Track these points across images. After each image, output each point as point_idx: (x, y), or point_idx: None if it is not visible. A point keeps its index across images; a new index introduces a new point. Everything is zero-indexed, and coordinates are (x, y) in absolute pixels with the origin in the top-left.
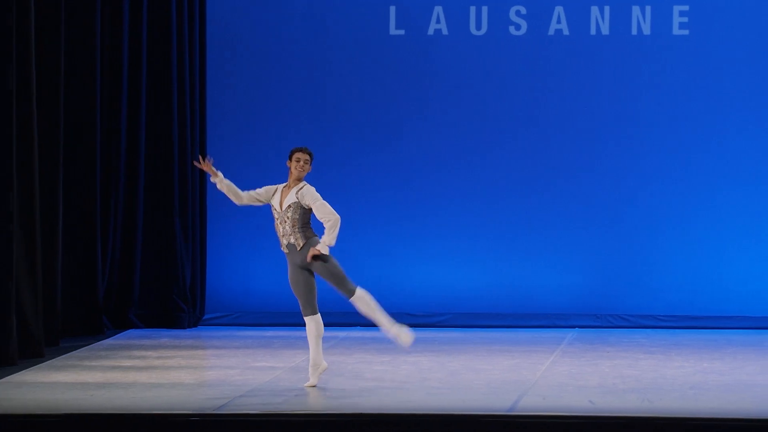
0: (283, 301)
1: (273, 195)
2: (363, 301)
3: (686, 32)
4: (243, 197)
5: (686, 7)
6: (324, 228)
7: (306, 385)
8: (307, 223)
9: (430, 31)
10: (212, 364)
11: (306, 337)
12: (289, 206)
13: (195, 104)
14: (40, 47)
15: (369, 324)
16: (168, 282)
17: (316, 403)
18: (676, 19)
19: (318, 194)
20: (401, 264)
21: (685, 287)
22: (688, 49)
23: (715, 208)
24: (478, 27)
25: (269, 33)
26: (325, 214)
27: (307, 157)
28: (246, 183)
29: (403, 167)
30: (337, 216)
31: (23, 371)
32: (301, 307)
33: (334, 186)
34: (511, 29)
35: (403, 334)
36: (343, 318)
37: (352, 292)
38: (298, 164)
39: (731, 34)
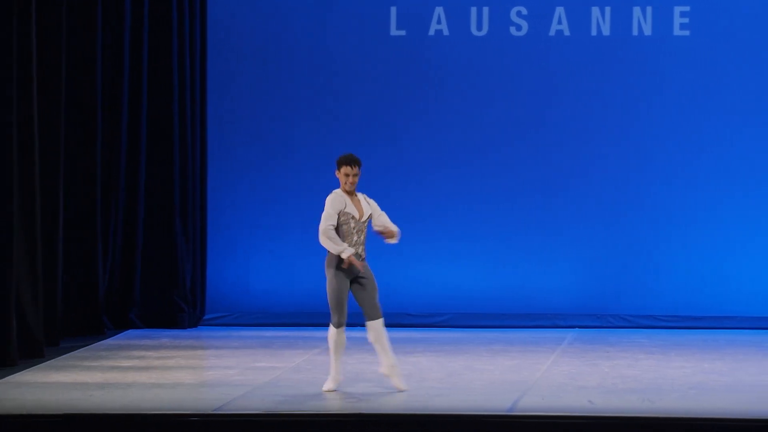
0: (283, 302)
1: (344, 206)
2: (382, 328)
3: (687, 33)
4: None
5: (687, 8)
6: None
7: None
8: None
9: (431, 32)
10: (212, 365)
11: (327, 344)
12: (369, 216)
13: (196, 105)
14: (41, 49)
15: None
16: (168, 282)
17: (315, 403)
18: (677, 20)
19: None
20: (401, 264)
21: (686, 287)
22: (689, 49)
23: (716, 209)
24: (479, 28)
25: (270, 33)
26: (389, 221)
27: (358, 169)
28: (248, 182)
29: (404, 168)
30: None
31: (23, 371)
32: (338, 317)
33: (335, 188)
34: (512, 30)
35: (396, 377)
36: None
37: (379, 315)
38: (347, 179)
39: (732, 34)
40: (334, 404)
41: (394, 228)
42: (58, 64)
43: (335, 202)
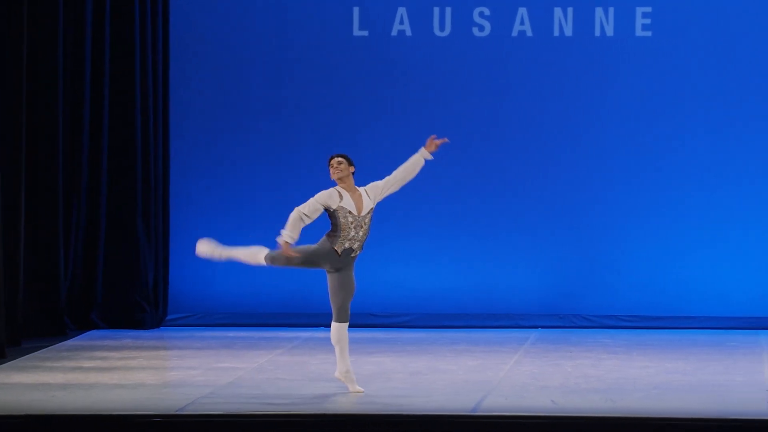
0: (245, 302)
1: (340, 200)
2: (344, 331)
3: (649, 33)
4: (302, 221)
5: (649, 9)
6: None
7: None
8: None
9: (394, 32)
10: (175, 365)
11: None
12: (370, 211)
13: (158, 105)
14: (2, 52)
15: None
16: (131, 283)
17: (278, 404)
18: (639, 21)
19: (372, 185)
20: (364, 265)
21: (648, 287)
22: (651, 50)
23: (678, 209)
24: (442, 28)
25: (232, 34)
26: (389, 176)
27: (340, 158)
28: (211, 182)
29: (366, 168)
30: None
31: None
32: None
33: (297, 188)
34: (475, 30)
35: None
36: (307, 319)
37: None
38: (332, 169)
39: (694, 35)
40: (295, 405)
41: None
42: (19, 64)
43: (324, 194)
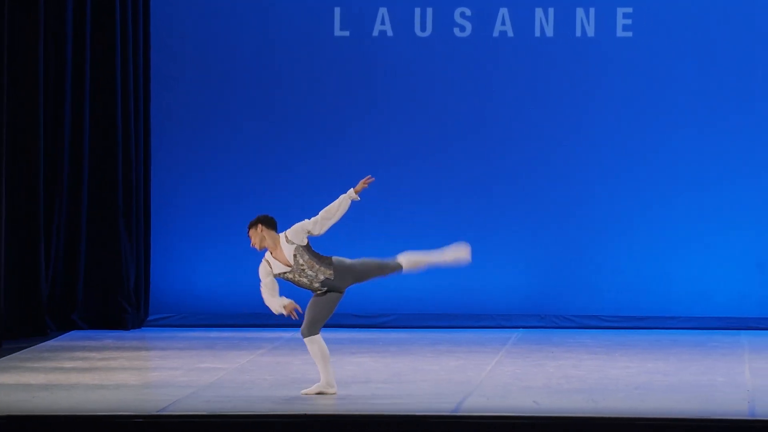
0: (227, 303)
1: (271, 269)
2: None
3: (630, 34)
4: (275, 290)
5: (630, 9)
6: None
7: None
8: (317, 252)
9: (375, 33)
10: (156, 366)
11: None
12: (294, 255)
13: (139, 106)
14: None
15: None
16: (112, 283)
17: (259, 404)
18: (620, 21)
19: (295, 227)
20: None
21: (630, 288)
22: (631, 51)
23: (660, 210)
24: (423, 28)
25: (213, 34)
26: (317, 216)
27: (249, 230)
28: (192, 183)
29: (347, 169)
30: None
31: None
32: (308, 326)
33: (279, 188)
34: (456, 31)
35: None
36: (288, 319)
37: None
38: (251, 244)
39: (674, 36)
40: (277, 405)
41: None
42: (0, 63)
43: (262, 270)
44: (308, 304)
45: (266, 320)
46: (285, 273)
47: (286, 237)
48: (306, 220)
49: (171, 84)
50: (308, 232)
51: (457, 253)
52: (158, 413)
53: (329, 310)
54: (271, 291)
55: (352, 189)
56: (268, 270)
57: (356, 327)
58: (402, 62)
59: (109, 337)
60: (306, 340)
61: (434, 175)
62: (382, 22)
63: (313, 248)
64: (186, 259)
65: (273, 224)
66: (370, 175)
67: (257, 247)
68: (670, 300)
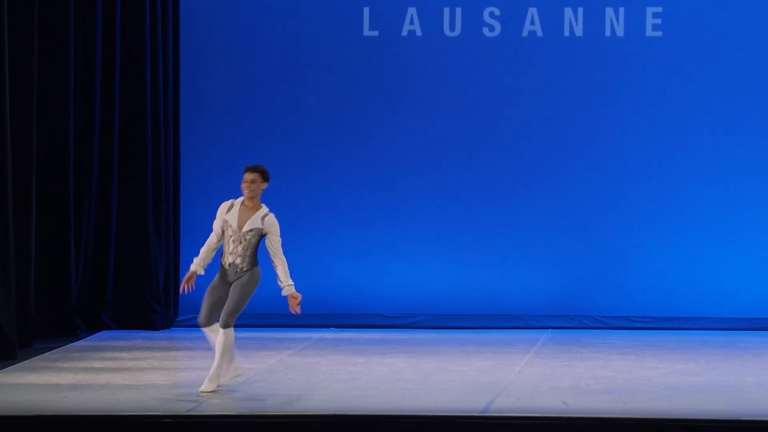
0: (256, 303)
1: (228, 211)
2: (228, 340)
3: (659, 34)
4: (213, 243)
5: (659, 9)
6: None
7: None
8: (256, 251)
9: (404, 33)
10: (185, 366)
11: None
12: (251, 230)
13: (169, 104)
14: (14, 54)
15: (343, 325)
16: (141, 283)
17: (288, 404)
18: (649, 21)
19: (276, 227)
20: (375, 265)
21: (659, 288)
22: (661, 50)
23: (689, 209)
24: (452, 28)
25: (243, 33)
26: (280, 253)
27: (254, 176)
28: (221, 182)
29: (377, 169)
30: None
31: None
32: (202, 317)
33: (309, 188)
34: (485, 30)
35: (209, 384)
36: (317, 320)
37: (228, 325)
38: (244, 185)
39: (704, 35)
40: (308, 405)
41: (294, 295)
42: (31, 62)
43: (222, 207)
44: (209, 296)
45: (295, 321)
46: (228, 225)
47: (264, 215)
48: (278, 237)
49: (200, 83)
50: (272, 241)
51: (233, 371)
52: (187, 413)
53: (220, 303)
54: (207, 253)
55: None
56: (224, 211)
57: (385, 327)
58: (431, 62)
59: (138, 337)
60: (222, 330)
61: (463, 175)
62: (411, 22)
63: (259, 250)
64: (215, 259)
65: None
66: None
67: (246, 191)
68: (699, 301)
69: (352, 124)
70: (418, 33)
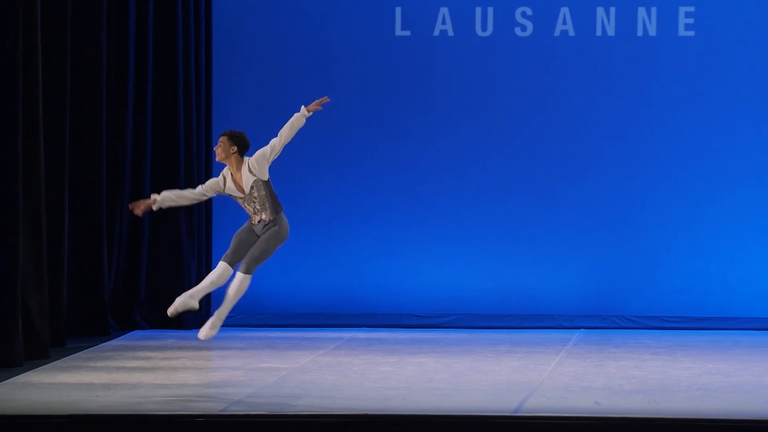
0: (288, 303)
1: (225, 185)
2: (243, 285)
3: (692, 33)
4: (187, 197)
5: (692, 8)
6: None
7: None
8: (275, 195)
9: (436, 32)
10: (218, 365)
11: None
12: (252, 186)
13: (201, 103)
14: (47, 51)
15: (374, 325)
16: (173, 283)
17: (321, 404)
18: (682, 21)
19: (257, 155)
20: (407, 265)
21: (692, 288)
22: (693, 50)
23: (722, 209)
24: (484, 28)
25: (274, 34)
26: (273, 141)
27: (222, 137)
28: None
29: (409, 168)
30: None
31: (29, 372)
32: (228, 254)
33: (341, 187)
34: (517, 30)
35: (210, 330)
36: (348, 319)
37: (249, 271)
38: (216, 149)
39: (737, 35)
40: (339, 404)
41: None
42: (64, 63)
43: (211, 182)
44: (237, 238)
45: (327, 320)
46: (237, 197)
47: (249, 166)
48: (265, 148)
49: (232, 83)
50: (267, 159)
51: (208, 330)
52: (219, 413)
53: (248, 247)
54: (177, 197)
55: (303, 107)
56: (219, 187)
57: (417, 327)
58: (463, 62)
59: (170, 336)
60: (245, 276)
61: (494, 175)
62: (443, 22)
63: (274, 188)
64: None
65: (245, 148)
66: (326, 97)
67: (220, 158)
68: (733, 300)
69: (384, 123)
70: (450, 33)
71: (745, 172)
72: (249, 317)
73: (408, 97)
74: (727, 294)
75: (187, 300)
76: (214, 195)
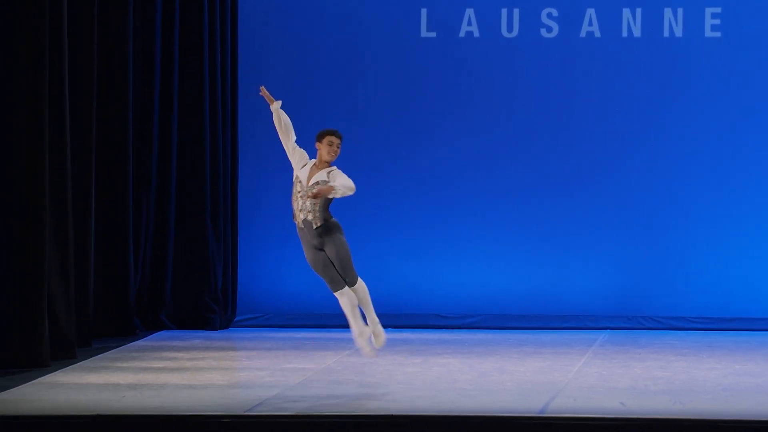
0: (314, 303)
1: (303, 166)
2: (362, 291)
3: (718, 34)
4: (291, 139)
5: (718, 9)
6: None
7: (366, 356)
8: (328, 205)
9: (462, 34)
10: (243, 366)
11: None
12: (317, 183)
13: (227, 104)
14: (73, 54)
15: (400, 325)
16: (199, 283)
17: (346, 404)
18: (708, 22)
19: (348, 182)
20: (431, 266)
21: (717, 289)
22: (719, 51)
23: (748, 209)
24: (510, 29)
25: (300, 36)
26: (347, 181)
27: (340, 141)
28: (279, 182)
29: (434, 169)
30: (354, 187)
31: (55, 372)
32: (329, 286)
33: (365, 187)
34: (543, 32)
35: (381, 335)
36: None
37: (354, 281)
38: (330, 148)
39: (763, 36)
40: (365, 405)
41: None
42: (90, 62)
43: (303, 152)
44: (315, 268)
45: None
46: (298, 180)
47: (330, 170)
48: (348, 180)
49: (258, 85)
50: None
51: (380, 335)
52: (245, 413)
53: (328, 267)
54: (284, 122)
55: (336, 186)
56: (301, 160)
57: (442, 328)
58: (488, 63)
59: (196, 337)
60: (337, 294)
61: (520, 176)
62: (469, 23)
63: (330, 206)
64: (273, 259)
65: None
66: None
67: (332, 156)
68: (759, 301)
69: (409, 124)
70: (476, 34)
71: None
72: (274, 318)
73: (432, 98)
74: (753, 294)
75: (361, 340)
76: (292, 152)
